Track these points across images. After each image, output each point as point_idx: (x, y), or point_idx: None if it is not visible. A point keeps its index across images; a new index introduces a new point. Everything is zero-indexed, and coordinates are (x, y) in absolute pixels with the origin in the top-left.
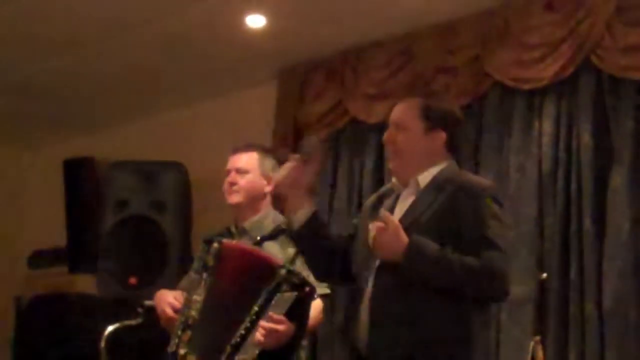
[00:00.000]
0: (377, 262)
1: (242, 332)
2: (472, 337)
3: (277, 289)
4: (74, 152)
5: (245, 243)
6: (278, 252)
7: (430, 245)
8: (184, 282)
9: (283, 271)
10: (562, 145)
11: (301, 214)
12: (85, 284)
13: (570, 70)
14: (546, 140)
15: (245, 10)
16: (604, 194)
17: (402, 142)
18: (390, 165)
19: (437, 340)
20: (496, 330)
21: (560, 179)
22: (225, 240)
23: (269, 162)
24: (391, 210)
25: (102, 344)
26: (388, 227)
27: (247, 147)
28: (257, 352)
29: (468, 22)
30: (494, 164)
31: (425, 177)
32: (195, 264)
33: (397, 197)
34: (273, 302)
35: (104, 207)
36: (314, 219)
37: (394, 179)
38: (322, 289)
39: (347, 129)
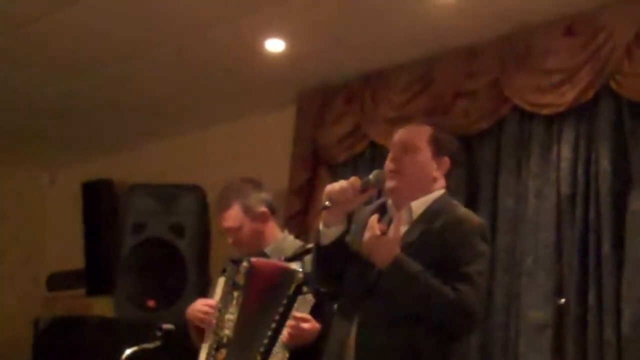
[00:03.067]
0: (367, 287)
1: (269, 336)
2: None
3: (297, 291)
4: (93, 174)
5: None
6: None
7: (414, 265)
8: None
9: (301, 275)
10: (580, 170)
11: (334, 231)
12: (103, 306)
13: (590, 95)
14: (565, 165)
15: (265, 34)
16: (623, 219)
17: (409, 164)
18: (389, 184)
19: None
20: (514, 356)
21: (578, 203)
22: (254, 259)
23: (254, 198)
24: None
25: None
26: (390, 235)
27: (227, 203)
28: (287, 354)
29: (488, 46)
30: (512, 188)
31: (419, 206)
32: (224, 285)
33: (390, 221)
34: (295, 304)
35: (122, 229)
36: (343, 239)
37: (389, 201)
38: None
39: (366, 153)
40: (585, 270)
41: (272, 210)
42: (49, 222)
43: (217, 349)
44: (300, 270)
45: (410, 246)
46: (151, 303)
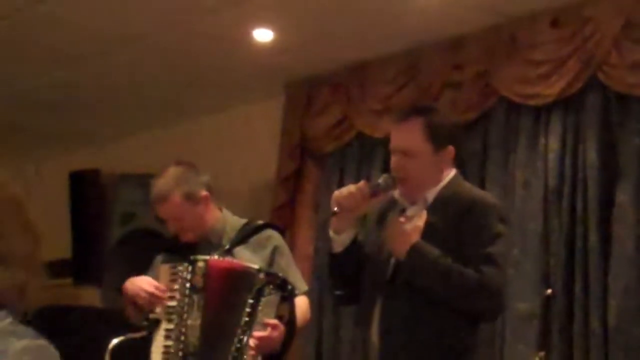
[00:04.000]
0: (388, 277)
1: (237, 342)
2: None
3: (260, 294)
4: (80, 164)
5: (212, 253)
6: (250, 255)
7: (434, 251)
8: (149, 273)
9: (262, 275)
10: (568, 161)
11: (345, 237)
12: (90, 296)
13: (577, 86)
14: (552, 156)
15: (253, 24)
16: (610, 211)
17: (414, 170)
18: (400, 189)
19: None
20: (500, 346)
21: (565, 195)
22: (210, 259)
23: (194, 183)
24: None
25: (107, 357)
26: (408, 224)
27: (165, 195)
28: None
29: (474, 37)
30: (499, 179)
31: (432, 193)
32: (180, 286)
33: (403, 211)
34: (260, 307)
35: (110, 219)
36: (355, 244)
37: (396, 193)
38: (303, 285)
39: (354, 144)
40: (571, 261)
41: (211, 191)
42: (35, 212)
43: (184, 357)
44: (262, 269)
45: (427, 233)
46: None
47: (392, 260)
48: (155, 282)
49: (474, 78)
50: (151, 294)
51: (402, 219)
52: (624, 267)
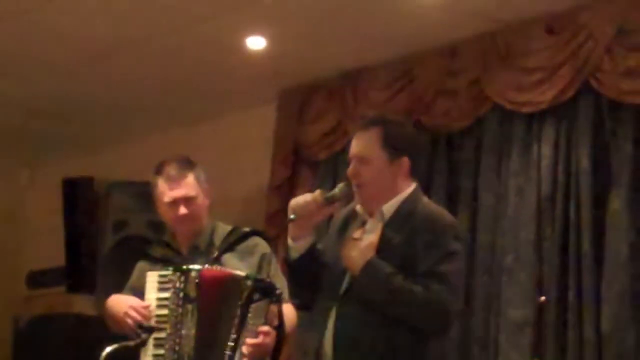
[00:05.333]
0: (342, 290)
1: (230, 353)
2: None
3: (249, 301)
4: (73, 171)
5: (200, 261)
6: (238, 263)
7: (386, 268)
8: (135, 280)
9: (249, 282)
10: (561, 168)
11: (302, 245)
12: (84, 304)
13: (570, 93)
14: (545, 163)
15: (246, 32)
16: (603, 218)
17: (367, 176)
18: (357, 197)
19: None
20: (495, 353)
21: (559, 202)
22: (203, 269)
23: (202, 174)
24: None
25: None
26: (362, 241)
27: (182, 173)
28: None
29: (469, 45)
30: (492, 186)
31: (390, 207)
32: (173, 296)
33: (363, 224)
34: (250, 314)
35: (103, 227)
36: (312, 251)
37: (358, 206)
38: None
39: (347, 151)
40: (565, 268)
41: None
42: (29, 218)
43: None
44: (249, 276)
45: (383, 249)
46: None
47: (347, 274)
48: (139, 305)
49: (468, 85)
50: (142, 315)
51: (356, 235)
52: (618, 274)
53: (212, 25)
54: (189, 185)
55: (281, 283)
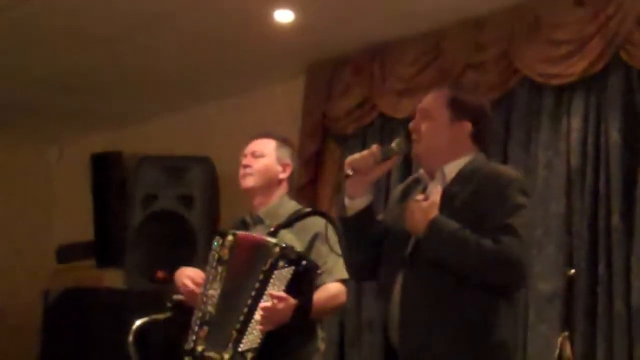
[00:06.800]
0: (408, 253)
1: (245, 313)
2: (503, 342)
3: (273, 266)
4: (102, 146)
5: (260, 232)
6: (294, 239)
7: (451, 224)
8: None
9: (277, 249)
10: (590, 141)
11: (359, 202)
12: (113, 278)
13: (600, 66)
14: (574, 136)
15: (274, 5)
16: (633, 190)
17: (427, 130)
18: (414, 150)
19: (466, 343)
20: (524, 327)
21: (588, 175)
22: (239, 232)
23: (287, 151)
24: None
25: (130, 338)
26: (425, 202)
27: (266, 134)
28: (260, 335)
29: (497, 17)
30: (521, 160)
31: (451, 169)
32: (210, 259)
33: (424, 189)
34: (271, 280)
35: (132, 201)
36: (369, 210)
37: (420, 170)
38: (342, 273)
39: (375, 125)
40: (594, 241)
41: (293, 178)
42: (58, 194)
43: (201, 326)
44: (279, 243)
45: (448, 205)
46: (161, 274)
47: (412, 237)
48: (195, 275)
49: (496, 58)
50: (189, 291)
51: (419, 197)
52: None
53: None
54: (263, 144)
55: (334, 263)
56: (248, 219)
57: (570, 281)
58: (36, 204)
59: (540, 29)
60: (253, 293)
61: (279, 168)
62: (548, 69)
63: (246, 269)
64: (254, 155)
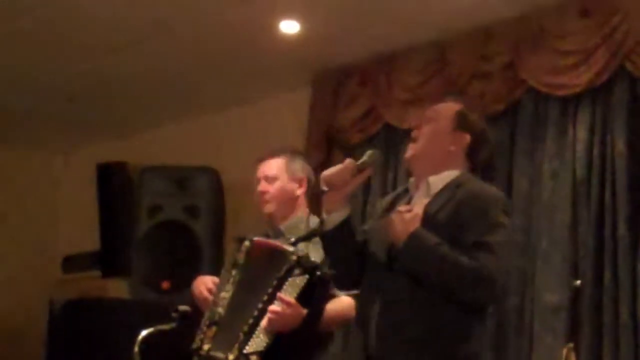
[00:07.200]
0: (387, 265)
1: (255, 316)
2: (472, 354)
3: (288, 273)
4: (107, 156)
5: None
6: (312, 251)
7: (431, 238)
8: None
9: (294, 256)
10: (596, 151)
11: (336, 216)
12: (118, 288)
13: (605, 77)
14: (580, 146)
15: (279, 16)
16: (638, 201)
17: (427, 131)
18: (409, 151)
19: (436, 353)
20: (529, 338)
21: (594, 185)
22: (256, 238)
23: (298, 164)
24: None
25: (136, 348)
26: (409, 213)
27: (273, 153)
28: (266, 339)
29: (503, 27)
30: (527, 170)
31: (437, 182)
32: (226, 263)
33: (410, 200)
34: (284, 287)
35: (137, 211)
36: (347, 224)
37: (411, 179)
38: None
39: (381, 135)
40: (600, 252)
41: (309, 187)
42: (63, 204)
43: (209, 326)
44: (296, 251)
45: (430, 219)
46: (166, 285)
47: (392, 247)
48: (210, 283)
49: (502, 68)
50: (204, 298)
51: (402, 208)
52: None
53: (246, 9)
54: (273, 166)
55: None
56: (270, 232)
57: (576, 292)
58: (42, 213)
59: (545, 39)
60: (265, 297)
61: (295, 185)
62: (554, 80)
63: (260, 274)
64: (267, 179)
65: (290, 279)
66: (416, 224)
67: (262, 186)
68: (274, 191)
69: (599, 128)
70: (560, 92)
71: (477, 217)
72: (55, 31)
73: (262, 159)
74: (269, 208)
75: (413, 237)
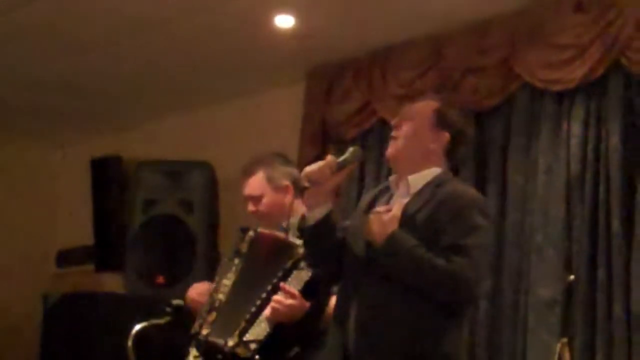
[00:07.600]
0: (364, 264)
1: (257, 305)
2: (448, 354)
3: (294, 266)
4: (102, 151)
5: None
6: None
7: (409, 240)
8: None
9: (301, 250)
10: (590, 146)
11: (317, 212)
12: (113, 282)
13: (600, 71)
14: (575, 142)
15: (274, 10)
16: (633, 196)
17: (407, 129)
18: (389, 149)
19: (412, 352)
20: (523, 333)
21: (588, 180)
22: (261, 229)
23: (277, 171)
24: None
25: (130, 342)
26: (387, 214)
27: (251, 170)
28: (267, 328)
29: (498, 22)
30: (521, 165)
31: (417, 181)
32: (229, 253)
33: (389, 199)
34: (289, 279)
35: (132, 206)
36: (327, 220)
37: (390, 178)
38: None
39: (375, 129)
40: (594, 247)
41: (297, 186)
42: (58, 198)
43: (209, 311)
44: (302, 245)
45: (408, 220)
46: (160, 279)
47: (369, 246)
48: (203, 288)
49: (497, 63)
50: (198, 302)
51: (381, 208)
52: None
53: (241, 4)
54: (254, 184)
55: None
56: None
57: (570, 287)
58: (37, 207)
59: (541, 34)
60: (269, 287)
61: (281, 195)
62: (548, 75)
63: (264, 264)
64: (253, 200)
65: (295, 272)
66: (394, 226)
67: (250, 207)
68: (264, 209)
69: (593, 123)
70: (555, 87)
71: (454, 219)
72: (53, 25)
73: (243, 177)
74: (266, 222)
75: (391, 238)
